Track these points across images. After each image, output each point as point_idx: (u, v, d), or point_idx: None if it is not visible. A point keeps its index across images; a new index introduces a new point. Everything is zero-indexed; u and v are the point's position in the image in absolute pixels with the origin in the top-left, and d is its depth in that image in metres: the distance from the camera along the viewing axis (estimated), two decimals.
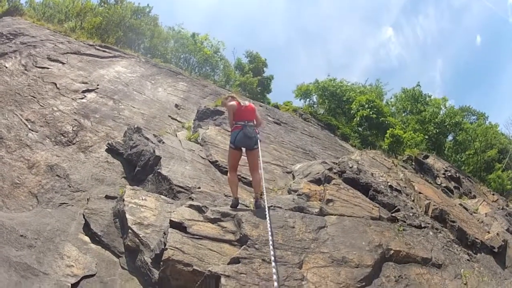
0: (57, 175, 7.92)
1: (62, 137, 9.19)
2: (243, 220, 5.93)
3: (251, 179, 8.94)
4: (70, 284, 5.26)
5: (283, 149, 12.28)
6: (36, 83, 11.13)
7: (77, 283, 5.35)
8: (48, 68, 12.34)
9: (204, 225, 5.72)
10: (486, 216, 12.29)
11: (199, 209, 6.12)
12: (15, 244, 5.56)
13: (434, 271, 6.87)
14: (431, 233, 8.31)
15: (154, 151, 8.62)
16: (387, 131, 18.29)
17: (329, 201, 7.54)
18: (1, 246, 5.43)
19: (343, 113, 25.07)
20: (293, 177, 9.32)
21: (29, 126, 9.15)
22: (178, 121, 12.49)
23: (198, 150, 9.88)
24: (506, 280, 8.42)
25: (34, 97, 10.37)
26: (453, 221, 9.54)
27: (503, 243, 9.90)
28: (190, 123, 12.51)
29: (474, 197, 15.58)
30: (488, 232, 10.62)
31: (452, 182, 15.79)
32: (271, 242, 4.86)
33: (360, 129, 22.38)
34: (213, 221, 5.94)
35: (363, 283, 5.54)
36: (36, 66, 12.16)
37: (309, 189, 7.92)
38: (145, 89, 14.00)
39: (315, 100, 27.78)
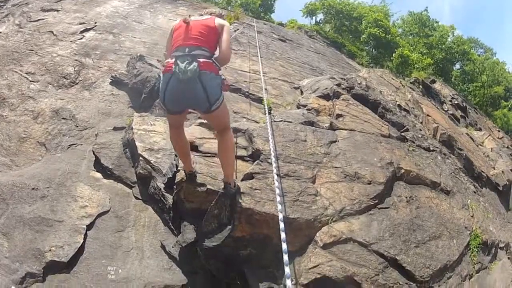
0: (63, 118, 7.60)
1: (65, 80, 8.83)
2: (254, 135, 5.62)
3: (259, 95, 8.56)
4: (85, 226, 5.08)
5: (289, 65, 11.85)
6: (32, 37, 10.57)
7: (92, 223, 5.19)
8: (43, 19, 11.71)
9: (215, 142, 5.38)
10: (492, 151, 12.12)
11: (209, 127, 5.78)
12: (27, 200, 5.29)
13: (443, 197, 6.69)
14: (439, 157, 8.09)
15: (159, 76, 8.18)
16: (396, 50, 17.78)
17: (339, 116, 7.24)
18: (14, 206, 5.15)
19: (350, 31, 24.29)
20: (301, 93, 8.96)
21: (30, 78, 8.75)
22: None
23: None
24: (509, 224, 8.34)
25: (32, 50, 9.85)
26: (461, 149, 9.34)
27: (507, 183, 9.76)
28: None
29: (480, 129, 15.38)
30: (494, 168, 10.46)
31: (459, 111, 15.51)
32: (273, 159, 4.64)
33: (367, 47, 21.78)
34: None
35: (376, 201, 5.34)
36: (30, 21, 11.52)
37: (318, 104, 7.60)
38: (144, 18, 13.46)
39: (321, 18, 27.00)
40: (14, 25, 11.29)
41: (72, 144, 6.91)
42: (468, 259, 5.83)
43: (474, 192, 8.12)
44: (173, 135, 4.46)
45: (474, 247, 6.08)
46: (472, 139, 11.93)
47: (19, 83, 8.53)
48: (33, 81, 8.66)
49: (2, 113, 7.66)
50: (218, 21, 4.30)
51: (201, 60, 3.86)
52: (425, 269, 4.82)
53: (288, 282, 2.61)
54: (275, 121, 6.16)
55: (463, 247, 5.78)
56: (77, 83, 8.78)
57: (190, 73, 3.76)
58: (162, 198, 5.43)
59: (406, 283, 4.54)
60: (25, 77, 8.77)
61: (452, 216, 6.27)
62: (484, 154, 11.39)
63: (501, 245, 7.13)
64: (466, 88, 25.87)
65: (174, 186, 4.98)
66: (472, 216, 6.88)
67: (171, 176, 5.32)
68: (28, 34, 10.72)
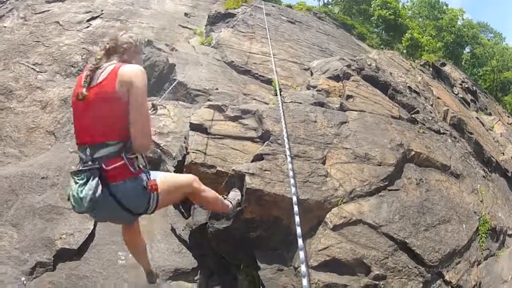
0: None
1: (72, 68, 8.89)
2: (264, 116, 5.59)
3: (269, 76, 8.57)
4: None
5: (299, 47, 11.74)
6: (38, 28, 10.57)
7: None
8: (48, 11, 11.71)
9: (225, 124, 5.43)
10: (501, 136, 12.00)
11: (219, 109, 5.77)
12: (37, 189, 5.31)
13: (453, 181, 6.58)
14: (449, 140, 7.99)
15: (167, 60, 8.45)
16: (405, 33, 17.62)
17: (349, 97, 7.15)
18: (24, 197, 5.17)
19: (359, 13, 24.02)
20: (311, 74, 8.85)
21: (37, 69, 8.78)
22: (189, 29, 12.04)
23: (213, 53, 9.52)
24: None
25: (38, 41, 9.86)
26: (471, 133, 9.21)
27: None
28: (202, 29, 12.12)
29: (490, 114, 15.22)
30: (503, 154, 10.32)
31: (469, 95, 15.35)
32: (286, 140, 4.59)
33: (376, 30, 21.57)
34: (233, 119, 5.66)
35: (386, 182, 5.27)
36: (35, 13, 11.52)
37: (328, 85, 7.49)
38: (151, 4, 13.45)
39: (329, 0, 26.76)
40: (19, 19, 11.30)
41: None
42: (477, 245, 5.74)
43: (484, 177, 7.99)
44: (123, 232, 3.47)
45: (483, 233, 5.98)
46: (482, 123, 11.80)
47: (26, 74, 8.54)
48: (40, 72, 8.67)
49: (10, 105, 7.69)
50: (122, 77, 2.79)
51: (109, 168, 2.70)
52: (434, 253, 4.76)
53: (303, 268, 2.53)
54: (285, 102, 6.09)
55: (472, 232, 5.69)
56: None
57: (85, 206, 2.64)
58: None
59: (415, 267, 4.48)
60: (32, 68, 8.78)
61: (461, 200, 6.18)
62: (493, 139, 11.26)
63: (510, 232, 7.01)
64: (476, 72, 25.70)
65: (184, 169, 4.94)
66: (481, 201, 6.76)
67: (181, 159, 5.29)
68: (34, 26, 10.72)
